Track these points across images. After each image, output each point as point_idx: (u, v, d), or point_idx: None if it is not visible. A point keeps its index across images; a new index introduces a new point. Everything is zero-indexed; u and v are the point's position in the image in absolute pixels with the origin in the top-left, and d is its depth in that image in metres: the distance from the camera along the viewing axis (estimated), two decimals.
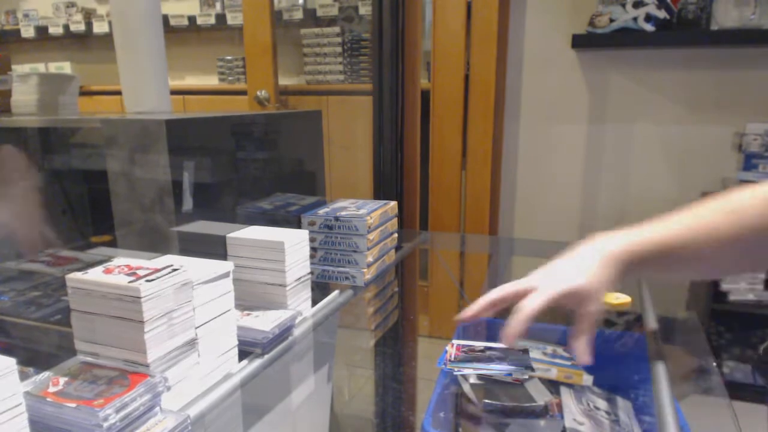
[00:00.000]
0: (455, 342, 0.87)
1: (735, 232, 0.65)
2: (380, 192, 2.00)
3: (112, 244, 0.97)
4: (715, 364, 0.93)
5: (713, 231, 0.66)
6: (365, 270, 1.04)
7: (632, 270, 0.69)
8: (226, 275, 0.68)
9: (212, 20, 3.02)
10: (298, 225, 1.09)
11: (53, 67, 3.41)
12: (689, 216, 0.69)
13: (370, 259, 1.05)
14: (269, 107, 2.54)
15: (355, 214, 1.05)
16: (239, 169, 1.08)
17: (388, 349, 1.17)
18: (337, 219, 1.05)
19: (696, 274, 0.84)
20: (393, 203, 1.19)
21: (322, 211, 1.08)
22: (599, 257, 0.68)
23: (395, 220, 1.20)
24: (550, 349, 0.92)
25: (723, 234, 0.66)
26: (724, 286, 1.83)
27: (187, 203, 0.92)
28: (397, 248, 1.23)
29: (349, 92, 2.64)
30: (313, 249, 1.06)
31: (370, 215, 1.06)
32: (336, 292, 1.00)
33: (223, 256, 0.83)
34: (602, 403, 0.83)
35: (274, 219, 1.12)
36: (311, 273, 1.00)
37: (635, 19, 1.94)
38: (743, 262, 0.71)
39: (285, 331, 0.79)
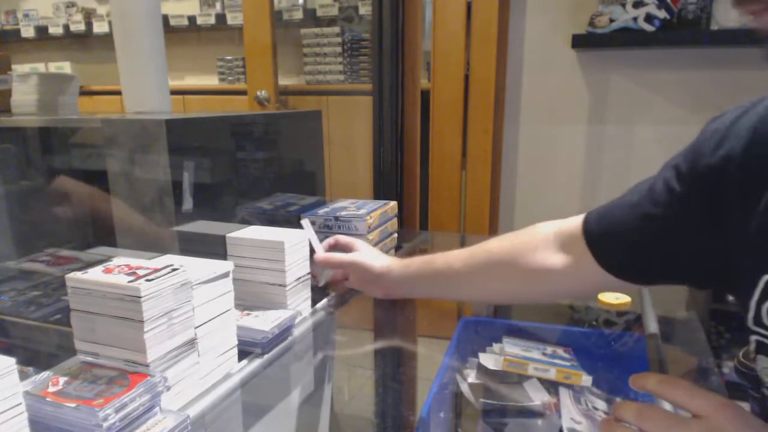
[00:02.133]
0: None
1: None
2: (380, 192, 2.01)
3: (112, 244, 0.97)
4: (715, 364, 0.93)
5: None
6: None
7: None
8: (225, 275, 0.68)
9: (212, 20, 3.02)
10: (298, 225, 1.09)
11: (53, 67, 3.41)
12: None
13: None
14: (269, 107, 2.54)
15: (354, 214, 1.06)
16: (239, 169, 1.08)
17: (388, 349, 1.17)
18: (336, 219, 1.05)
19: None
20: (393, 203, 1.19)
21: (322, 211, 1.09)
22: None
23: (395, 220, 1.20)
24: (549, 349, 0.92)
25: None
26: None
27: (187, 203, 0.92)
28: (397, 248, 1.23)
29: (349, 92, 2.64)
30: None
31: (370, 215, 1.06)
32: (336, 292, 1.00)
33: (222, 256, 0.83)
34: (601, 404, 0.83)
35: (274, 219, 1.12)
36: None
37: (635, 19, 1.93)
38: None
39: (285, 331, 0.79)
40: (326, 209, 1.11)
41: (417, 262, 0.90)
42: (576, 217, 0.77)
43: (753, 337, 0.60)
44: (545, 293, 0.83)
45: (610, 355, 1.00)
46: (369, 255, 0.94)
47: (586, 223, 0.74)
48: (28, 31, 3.36)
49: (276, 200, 1.17)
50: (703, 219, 0.61)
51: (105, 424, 0.50)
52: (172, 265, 0.61)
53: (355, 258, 0.93)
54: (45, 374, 0.56)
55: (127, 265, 0.60)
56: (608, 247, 0.70)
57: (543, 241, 0.79)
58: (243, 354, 0.73)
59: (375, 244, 1.08)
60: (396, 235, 1.21)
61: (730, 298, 1.82)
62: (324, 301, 0.96)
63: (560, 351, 0.92)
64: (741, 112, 0.63)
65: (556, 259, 0.76)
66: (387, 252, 1.16)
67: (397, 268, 0.91)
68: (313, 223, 1.07)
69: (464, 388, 0.88)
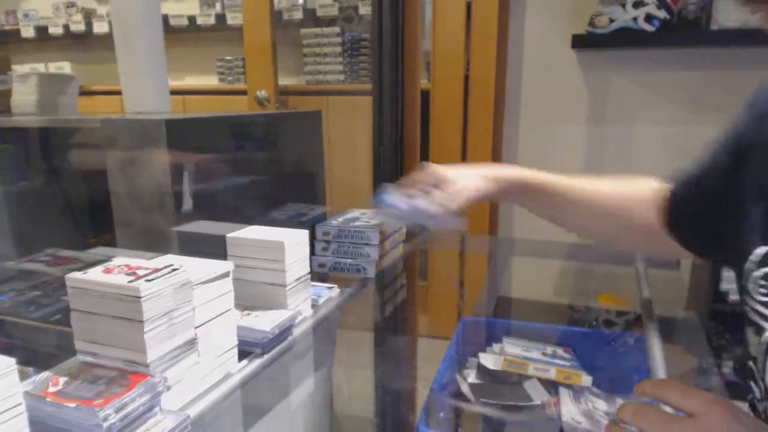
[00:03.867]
0: None
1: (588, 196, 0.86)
2: None
3: (112, 244, 0.97)
4: (714, 364, 0.94)
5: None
6: (376, 261, 1.06)
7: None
8: (225, 275, 0.68)
9: (212, 20, 3.02)
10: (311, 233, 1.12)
11: (53, 67, 3.40)
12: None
13: (380, 253, 1.07)
14: (269, 107, 2.54)
15: (368, 224, 1.08)
16: (239, 169, 1.08)
17: (388, 349, 1.17)
18: (350, 229, 1.07)
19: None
20: None
21: (335, 222, 1.11)
22: None
23: None
24: (549, 349, 0.92)
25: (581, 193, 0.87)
26: (724, 286, 1.83)
27: (187, 203, 0.92)
28: (404, 242, 1.24)
29: (349, 92, 2.64)
30: (326, 242, 1.08)
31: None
32: (337, 291, 1.00)
33: (223, 256, 0.83)
34: (601, 404, 0.83)
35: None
36: (323, 266, 1.01)
37: (635, 19, 1.93)
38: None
39: (285, 331, 0.79)
40: (339, 219, 1.13)
41: (530, 189, 0.88)
42: (668, 179, 0.81)
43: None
44: (644, 245, 0.89)
45: (610, 355, 1.00)
46: (467, 185, 0.89)
47: (670, 201, 0.78)
48: (28, 31, 3.36)
49: (289, 210, 1.19)
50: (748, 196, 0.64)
51: (105, 424, 0.50)
52: (172, 265, 0.61)
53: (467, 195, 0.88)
54: (45, 374, 0.56)
55: (127, 265, 0.60)
56: (681, 225, 0.76)
57: (652, 199, 0.82)
58: (243, 354, 0.73)
59: (389, 249, 1.11)
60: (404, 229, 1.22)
61: (731, 297, 1.82)
62: (324, 300, 0.96)
63: (560, 351, 0.92)
64: None
65: (657, 220, 0.80)
66: (394, 247, 1.16)
67: (502, 189, 0.89)
68: (327, 234, 1.08)
69: (464, 388, 0.88)
